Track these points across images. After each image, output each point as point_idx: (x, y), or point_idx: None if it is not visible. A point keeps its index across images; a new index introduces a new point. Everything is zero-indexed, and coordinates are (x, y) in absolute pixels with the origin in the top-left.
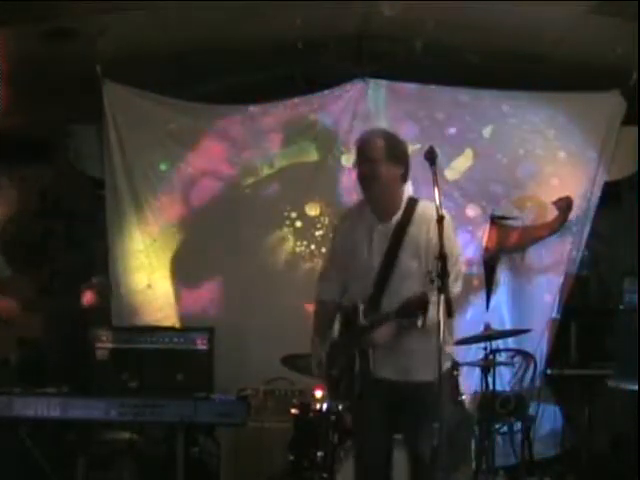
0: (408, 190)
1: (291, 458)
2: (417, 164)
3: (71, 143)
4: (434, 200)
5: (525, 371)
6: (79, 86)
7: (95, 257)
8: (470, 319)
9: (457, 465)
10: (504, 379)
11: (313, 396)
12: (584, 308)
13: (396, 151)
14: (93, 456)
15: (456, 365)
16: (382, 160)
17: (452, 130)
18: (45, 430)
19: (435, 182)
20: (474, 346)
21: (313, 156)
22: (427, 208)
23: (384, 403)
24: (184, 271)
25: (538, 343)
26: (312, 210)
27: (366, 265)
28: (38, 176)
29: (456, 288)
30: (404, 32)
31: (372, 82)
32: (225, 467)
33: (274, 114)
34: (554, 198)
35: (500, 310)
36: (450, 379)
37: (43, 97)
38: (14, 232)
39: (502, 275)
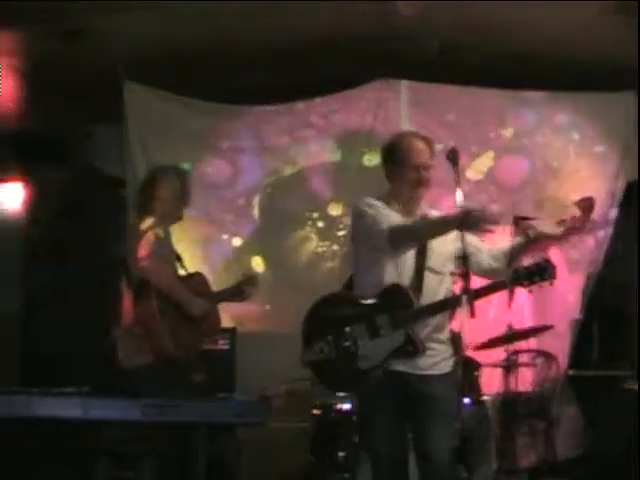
0: None
1: (312, 459)
2: (439, 164)
3: (92, 143)
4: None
5: (547, 372)
6: (100, 86)
7: (116, 257)
8: (492, 320)
9: (478, 466)
10: (526, 380)
11: (335, 396)
12: (606, 308)
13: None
14: (114, 456)
15: (477, 366)
16: (431, 166)
17: (473, 130)
18: (65, 430)
19: (457, 183)
20: None
21: (335, 156)
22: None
23: (397, 397)
24: None
25: (560, 344)
26: (334, 210)
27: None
28: (59, 177)
29: None
30: (424, 32)
31: (393, 83)
32: (246, 468)
33: (295, 114)
34: (575, 198)
35: (523, 311)
36: (472, 379)
37: (64, 97)
38: (37, 232)
39: None
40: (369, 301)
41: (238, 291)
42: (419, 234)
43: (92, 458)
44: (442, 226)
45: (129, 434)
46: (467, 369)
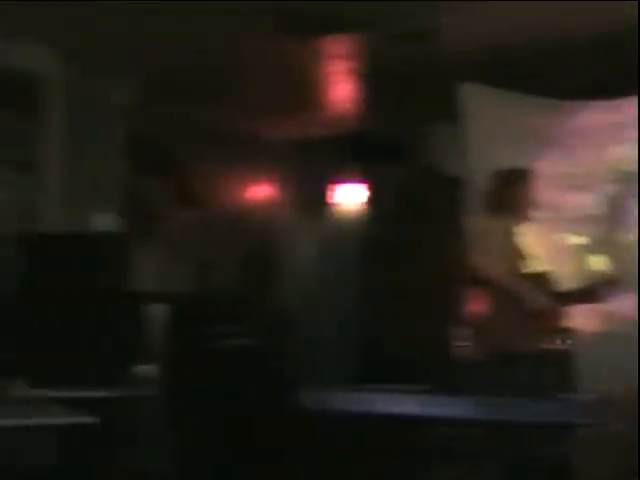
0: None
1: None
2: None
3: (432, 143)
4: None
5: None
6: (439, 86)
7: (454, 256)
8: None
9: None
10: None
11: None
12: None
13: None
14: (453, 456)
15: None
16: None
17: None
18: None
19: None
20: None
21: None
22: None
23: None
24: None
25: None
26: None
27: None
28: (399, 177)
29: None
30: None
31: None
32: (582, 470)
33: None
34: None
35: None
36: None
37: (404, 97)
38: (376, 232)
39: None
40: None
41: (590, 292)
42: None
43: (422, 456)
44: None
45: (462, 432)
46: None
